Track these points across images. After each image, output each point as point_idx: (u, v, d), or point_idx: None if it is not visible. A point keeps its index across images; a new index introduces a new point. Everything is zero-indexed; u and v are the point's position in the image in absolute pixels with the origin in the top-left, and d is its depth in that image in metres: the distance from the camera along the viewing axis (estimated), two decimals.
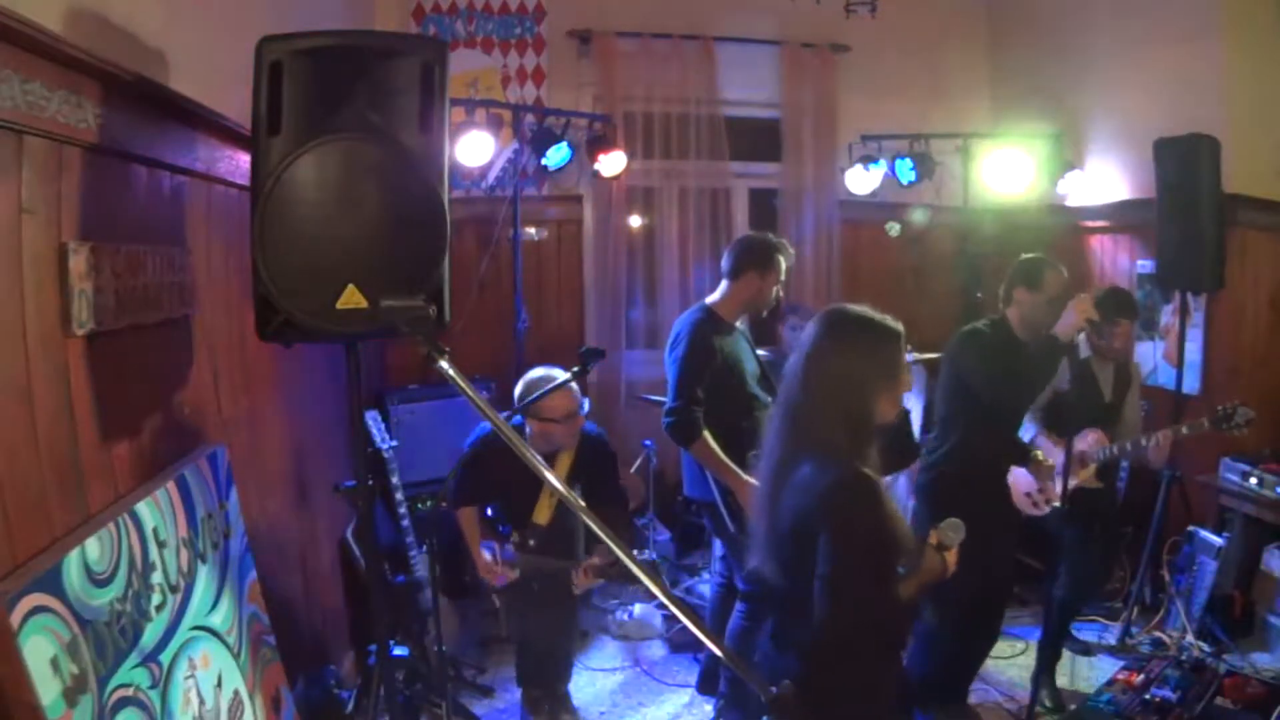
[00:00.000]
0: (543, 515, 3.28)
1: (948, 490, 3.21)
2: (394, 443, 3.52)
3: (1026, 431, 3.61)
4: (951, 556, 2.09)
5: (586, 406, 3.30)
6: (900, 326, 2.03)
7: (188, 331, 2.40)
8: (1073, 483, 3.57)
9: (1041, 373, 3.19)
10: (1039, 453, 3.45)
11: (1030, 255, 3.36)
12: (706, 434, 3.20)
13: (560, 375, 3.12)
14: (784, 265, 3.42)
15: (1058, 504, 3.62)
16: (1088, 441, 3.57)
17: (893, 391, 1.99)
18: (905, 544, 1.95)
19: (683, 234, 5.31)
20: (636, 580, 2.83)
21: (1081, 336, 3.63)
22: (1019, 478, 3.60)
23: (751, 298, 3.39)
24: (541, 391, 3.03)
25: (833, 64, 5.39)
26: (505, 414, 2.66)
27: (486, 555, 3.25)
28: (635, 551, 4.07)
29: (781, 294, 3.54)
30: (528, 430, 3.22)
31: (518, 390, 3.24)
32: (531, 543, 3.27)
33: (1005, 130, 5.20)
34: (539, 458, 1.40)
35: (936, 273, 5.54)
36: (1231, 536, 3.90)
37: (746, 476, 3.16)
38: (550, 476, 1.38)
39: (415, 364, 4.64)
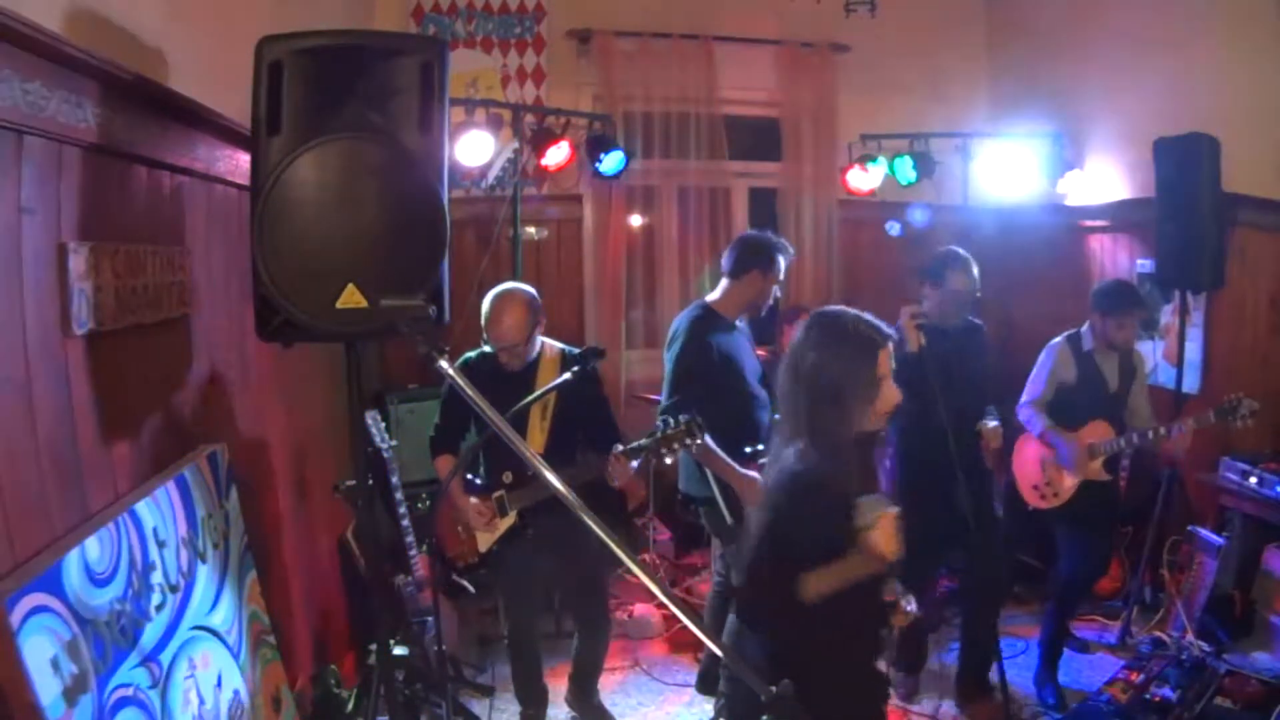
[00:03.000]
0: (536, 442, 3.11)
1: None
2: (394, 443, 3.51)
3: (1035, 425, 3.61)
4: (880, 536, 1.86)
5: (538, 346, 3.18)
6: (884, 336, 2.01)
7: (188, 331, 2.40)
8: (1080, 477, 3.58)
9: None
10: (987, 424, 3.39)
11: (944, 249, 3.42)
12: None
13: (523, 290, 3.15)
14: (783, 264, 3.42)
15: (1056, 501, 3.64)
16: (1095, 433, 3.57)
17: (868, 401, 1.98)
18: (837, 546, 1.88)
19: (682, 234, 5.31)
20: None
21: (1086, 328, 3.64)
22: (1027, 471, 3.60)
23: (754, 297, 3.39)
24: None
25: (832, 64, 5.39)
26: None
27: (472, 500, 3.08)
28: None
29: (780, 294, 3.54)
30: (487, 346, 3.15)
31: (483, 307, 3.17)
32: (507, 477, 3.07)
33: (1005, 130, 5.20)
34: (539, 458, 1.40)
35: None
36: (1231, 536, 3.89)
37: (745, 471, 3.16)
38: (551, 476, 1.37)
39: (415, 364, 4.63)
